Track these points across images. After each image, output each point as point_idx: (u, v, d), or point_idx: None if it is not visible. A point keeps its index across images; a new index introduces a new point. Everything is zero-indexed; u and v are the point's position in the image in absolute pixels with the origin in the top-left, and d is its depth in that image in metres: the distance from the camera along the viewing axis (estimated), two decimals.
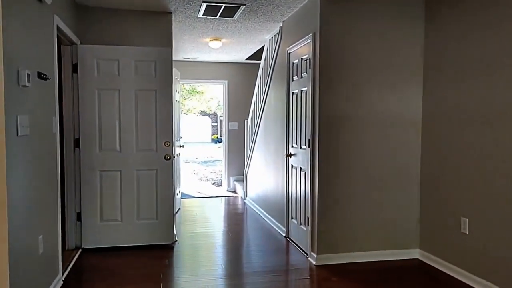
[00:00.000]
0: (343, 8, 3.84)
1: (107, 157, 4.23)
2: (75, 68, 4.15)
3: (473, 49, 3.41)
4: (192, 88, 15.84)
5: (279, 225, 5.05)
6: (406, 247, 4.10)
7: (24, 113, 2.51)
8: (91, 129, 4.18)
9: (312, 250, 3.99)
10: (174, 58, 7.52)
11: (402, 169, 4.06)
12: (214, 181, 10.37)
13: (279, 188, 5.11)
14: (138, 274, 3.63)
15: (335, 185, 3.92)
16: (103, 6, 4.31)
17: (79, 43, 4.22)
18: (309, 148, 4.04)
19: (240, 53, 7.08)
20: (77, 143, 4.19)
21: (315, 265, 3.89)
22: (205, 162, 16.46)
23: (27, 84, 2.50)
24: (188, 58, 7.59)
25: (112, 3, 4.23)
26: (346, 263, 3.93)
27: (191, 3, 4.20)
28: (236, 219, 5.82)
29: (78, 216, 4.23)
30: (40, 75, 2.86)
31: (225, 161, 8.19)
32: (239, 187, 7.73)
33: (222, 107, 8.33)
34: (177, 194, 6.36)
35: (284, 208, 4.82)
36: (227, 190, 8.17)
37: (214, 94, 17.53)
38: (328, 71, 3.85)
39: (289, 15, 4.71)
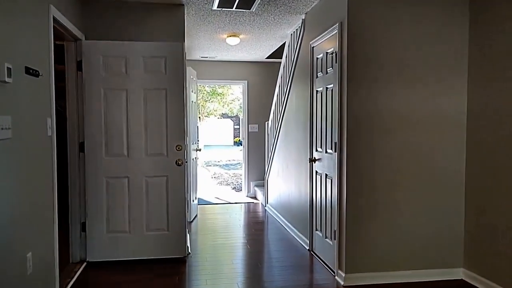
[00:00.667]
0: None
1: (113, 162, 3.88)
2: (79, 66, 3.83)
3: None
4: (212, 90, 15.54)
5: (302, 236, 4.60)
6: (448, 266, 3.58)
7: (3, 113, 2.17)
8: (97, 132, 3.84)
9: (340, 268, 3.53)
10: (191, 57, 7.18)
11: (444, 176, 3.55)
12: (234, 186, 9.99)
13: (302, 196, 4.66)
14: None
15: (365, 194, 3.45)
16: None
17: (84, 39, 3.89)
18: (336, 153, 3.58)
19: (260, 51, 6.67)
20: (81, 147, 3.86)
21: (343, 285, 3.42)
22: (226, 165, 16.13)
23: (7, 79, 2.15)
24: (206, 57, 7.23)
25: None
26: (379, 284, 3.45)
27: None
28: (256, 228, 5.40)
29: (83, 227, 3.89)
30: (29, 71, 2.51)
31: (245, 165, 7.78)
32: (259, 193, 7.31)
33: (242, 108, 7.94)
34: (194, 200, 5.99)
35: (308, 218, 4.37)
36: (247, 196, 7.76)
37: (236, 96, 17.20)
38: (357, 65, 3.39)
39: (312, 5, 4.27)
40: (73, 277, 3.53)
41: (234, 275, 3.68)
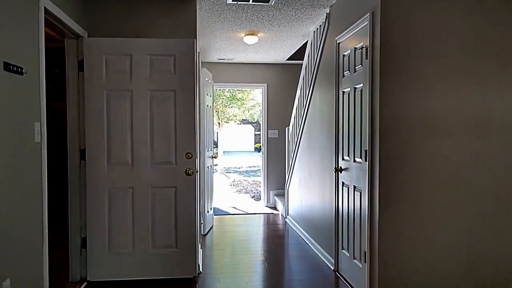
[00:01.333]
0: None
1: (116, 172, 3.51)
2: (81, 66, 3.49)
3: None
4: (232, 95, 15.21)
5: (327, 254, 4.12)
6: None
7: None
8: (98, 138, 3.48)
9: None
10: (207, 59, 6.82)
11: (504, 191, 3.03)
12: (253, 194, 9.56)
13: (326, 209, 4.19)
14: None
15: (402, 211, 2.96)
16: None
17: (86, 36, 3.55)
18: (366, 162, 3.11)
19: (280, 52, 6.24)
20: (82, 154, 3.51)
21: None
22: (246, 171, 15.74)
23: None
24: (223, 59, 6.86)
25: None
26: None
27: None
28: (275, 243, 4.94)
29: (84, 242, 3.53)
30: (9, 67, 2.16)
31: (264, 173, 7.34)
32: (279, 203, 6.85)
33: (261, 113, 7.52)
34: (209, 211, 5.58)
35: (333, 235, 3.89)
36: (266, 206, 7.31)
37: (256, 102, 16.82)
38: (392, 60, 2.92)
39: None
40: None
41: None
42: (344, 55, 3.67)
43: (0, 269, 2.10)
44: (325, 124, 4.24)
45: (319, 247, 4.40)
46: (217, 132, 16.91)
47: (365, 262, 3.13)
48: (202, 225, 5.26)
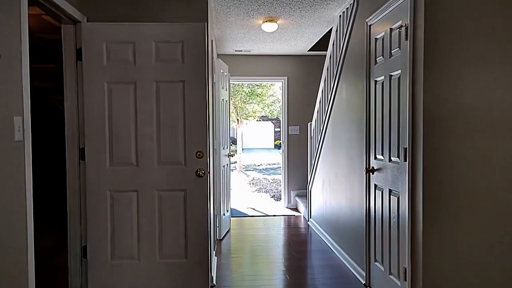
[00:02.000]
0: None
1: (119, 173, 3.13)
2: (79, 55, 3.12)
3: None
4: (251, 90, 14.76)
5: (356, 265, 3.66)
6: None
7: None
8: (99, 135, 3.11)
9: None
10: (223, 51, 6.40)
11: None
12: (273, 194, 9.14)
13: (354, 214, 3.73)
14: None
15: (450, 219, 2.48)
16: None
17: (85, 21, 3.18)
18: (406, 162, 2.64)
19: (301, 41, 5.77)
20: (82, 154, 3.15)
21: None
22: (266, 169, 15.32)
23: None
24: (240, 50, 6.43)
25: None
26: None
27: None
28: (297, 250, 4.50)
29: (84, 252, 3.17)
30: None
31: (284, 172, 6.89)
32: (301, 205, 6.40)
33: (281, 108, 7.07)
34: (225, 214, 5.18)
35: (364, 244, 3.43)
36: (287, 207, 6.86)
37: (276, 98, 16.34)
38: (439, 41, 2.44)
39: None
40: None
41: None
42: (376, 39, 3.19)
43: None
44: (353, 119, 3.77)
45: (346, 256, 3.94)
46: (235, 129, 16.53)
47: (405, 280, 2.66)
48: (218, 228, 4.86)
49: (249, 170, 15.06)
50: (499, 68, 2.47)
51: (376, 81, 3.21)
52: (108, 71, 3.09)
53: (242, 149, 15.69)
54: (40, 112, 5.26)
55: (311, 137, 5.73)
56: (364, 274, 3.42)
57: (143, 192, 3.15)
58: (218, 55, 6.41)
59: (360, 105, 3.55)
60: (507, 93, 2.48)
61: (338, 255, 4.18)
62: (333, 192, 4.49)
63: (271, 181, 11.63)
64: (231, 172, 6.49)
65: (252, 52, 6.57)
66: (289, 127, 6.84)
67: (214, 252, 4.10)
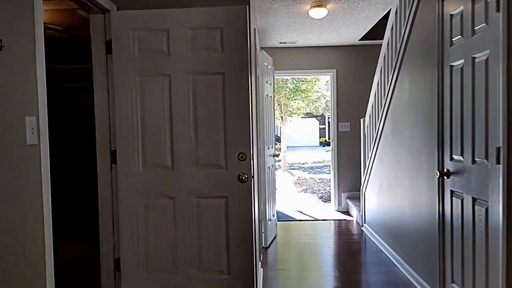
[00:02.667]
0: None
1: (153, 176, 2.80)
2: (109, 48, 2.81)
3: None
4: (296, 86, 14.25)
5: (424, 282, 3.13)
6: None
7: None
8: (130, 135, 2.80)
9: None
10: (266, 44, 5.99)
11: None
12: (321, 194, 8.63)
13: (421, 223, 3.20)
14: None
15: None
16: None
17: (115, 10, 2.88)
18: (499, 165, 2.10)
19: (352, 29, 5.25)
20: (114, 157, 2.85)
21: None
22: (312, 167, 14.78)
23: None
24: (285, 42, 5.99)
25: None
26: None
27: None
28: (351, 261, 4.01)
29: (117, 264, 2.87)
30: None
31: (334, 173, 6.38)
32: (353, 208, 5.87)
33: (330, 103, 6.55)
34: (271, 219, 4.77)
35: (437, 260, 2.89)
36: (337, 210, 6.35)
37: (321, 94, 15.72)
38: None
39: None
40: None
41: None
42: (452, 15, 2.65)
43: None
44: (419, 113, 3.24)
45: (413, 272, 3.41)
46: (280, 127, 16.10)
47: None
48: (263, 234, 4.47)
49: (294, 168, 14.58)
50: None
51: (452, 67, 2.66)
52: (139, 63, 2.77)
53: (287, 147, 15.21)
54: (76, 112, 5.08)
55: (364, 135, 5.20)
56: None
57: (179, 199, 2.80)
58: (261, 48, 6.01)
59: (429, 96, 3.01)
60: None
61: (402, 270, 3.65)
62: (393, 195, 3.95)
63: (318, 180, 11.11)
64: (275, 172, 6.08)
65: (297, 44, 6.11)
66: (339, 123, 6.32)
67: (260, 263, 3.70)
